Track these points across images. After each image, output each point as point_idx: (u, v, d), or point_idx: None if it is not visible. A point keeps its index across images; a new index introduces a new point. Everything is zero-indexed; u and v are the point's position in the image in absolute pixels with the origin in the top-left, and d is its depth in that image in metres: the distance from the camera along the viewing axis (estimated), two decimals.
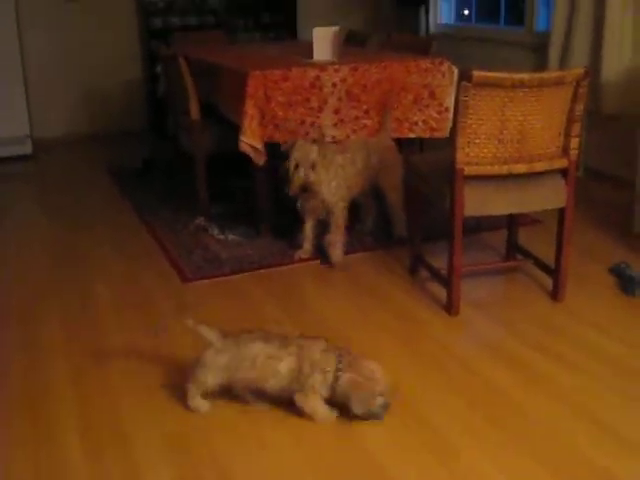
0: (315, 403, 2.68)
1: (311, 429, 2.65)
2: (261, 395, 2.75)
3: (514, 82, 3.15)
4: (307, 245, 4.14)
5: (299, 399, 2.68)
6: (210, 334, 2.74)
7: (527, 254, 3.90)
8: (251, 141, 4.03)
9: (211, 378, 2.71)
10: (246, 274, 4.00)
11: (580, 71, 3.24)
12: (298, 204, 4.00)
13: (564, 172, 3.44)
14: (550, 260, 3.64)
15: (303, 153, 3.77)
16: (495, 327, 3.42)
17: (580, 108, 3.34)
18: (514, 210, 3.48)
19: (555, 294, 3.62)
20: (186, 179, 5.18)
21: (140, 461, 2.51)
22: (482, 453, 2.51)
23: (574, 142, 3.39)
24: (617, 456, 2.49)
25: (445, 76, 4.32)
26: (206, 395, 2.76)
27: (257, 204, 4.46)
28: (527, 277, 3.89)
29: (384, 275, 3.95)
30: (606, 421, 2.67)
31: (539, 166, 3.35)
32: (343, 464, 2.48)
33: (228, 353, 2.70)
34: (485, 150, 3.27)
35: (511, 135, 3.26)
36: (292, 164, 3.78)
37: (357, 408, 2.65)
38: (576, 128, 3.36)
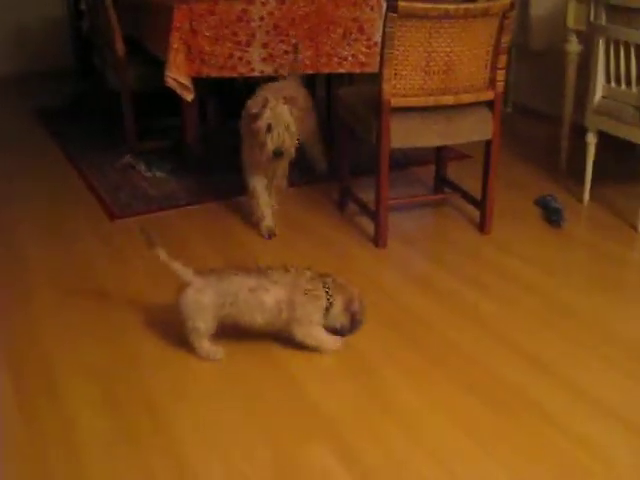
0: (318, 333, 2.66)
1: (245, 365, 2.65)
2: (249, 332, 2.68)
3: (440, 13, 3.14)
4: (268, 222, 3.73)
5: (299, 332, 2.64)
6: (184, 271, 2.59)
7: (455, 187, 3.94)
8: (177, 76, 3.95)
9: (202, 323, 2.58)
10: (174, 210, 3.96)
11: (506, 2, 3.24)
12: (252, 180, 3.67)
13: (491, 104, 3.46)
14: (478, 193, 3.68)
15: (276, 113, 3.40)
16: (422, 259, 3.46)
17: (506, 40, 3.35)
18: (441, 142, 3.49)
19: (482, 226, 3.67)
20: (114, 117, 5.08)
21: (74, 415, 2.49)
22: (404, 378, 2.56)
23: (500, 74, 3.40)
24: (529, 374, 2.57)
25: (374, 9, 4.28)
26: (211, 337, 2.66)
27: (185, 141, 4.40)
28: (455, 210, 3.93)
29: (313, 210, 3.96)
30: (523, 345, 2.75)
31: (465, 98, 3.37)
32: (275, 399, 2.50)
33: (210, 289, 2.57)
34: (411, 82, 3.27)
35: (437, 67, 3.26)
36: (264, 125, 3.39)
37: (353, 328, 2.68)
38: (502, 60, 3.38)
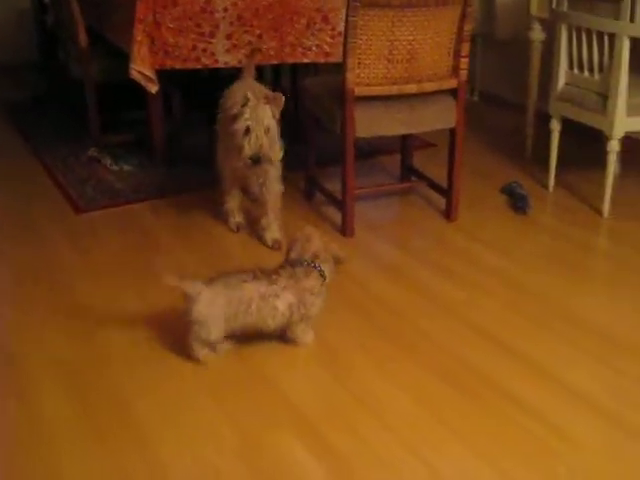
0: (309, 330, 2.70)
1: (214, 358, 2.62)
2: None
3: (402, 2, 3.15)
4: (237, 218, 3.64)
5: (301, 328, 2.66)
6: (194, 287, 2.50)
7: (421, 176, 3.96)
8: (141, 68, 3.92)
9: (214, 332, 2.54)
10: (140, 204, 3.93)
11: None
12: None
13: (454, 93, 3.47)
14: (444, 181, 3.69)
15: (256, 114, 3.11)
16: (389, 247, 3.47)
17: (469, 28, 3.36)
18: (405, 130, 3.50)
19: (448, 214, 3.69)
20: (78, 110, 5.04)
21: (42, 412, 2.48)
22: (374, 366, 2.57)
23: (463, 62, 3.42)
24: (498, 360, 2.60)
25: None
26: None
27: (151, 133, 4.37)
28: (421, 199, 3.94)
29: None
30: (491, 331, 2.77)
31: (429, 86, 3.38)
32: (245, 391, 2.50)
33: (222, 299, 2.51)
34: (375, 71, 3.28)
35: (401, 55, 3.27)
36: (242, 127, 3.12)
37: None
38: (465, 48, 3.39)
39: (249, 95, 3.13)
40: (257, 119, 3.11)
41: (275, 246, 3.42)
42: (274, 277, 2.59)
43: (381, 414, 2.33)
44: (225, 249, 3.44)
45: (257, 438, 2.24)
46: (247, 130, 3.11)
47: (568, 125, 3.93)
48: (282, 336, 2.69)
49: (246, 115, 3.11)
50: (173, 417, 2.35)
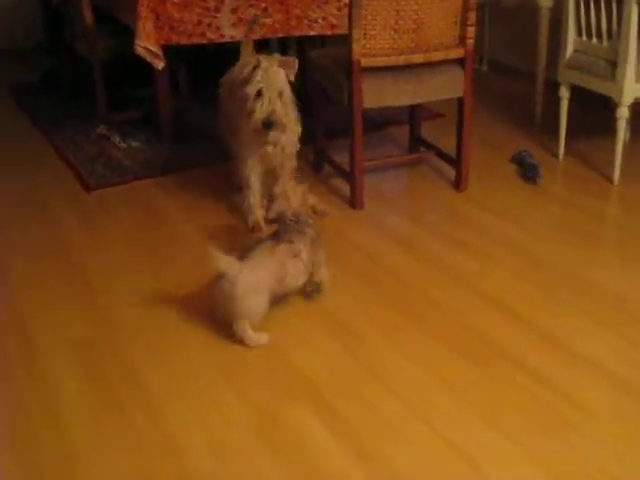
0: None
1: (223, 332, 2.63)
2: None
3: None
4: (259, 212, 3.37)
5: (321, 275, 2.79)
6: (229, 263, 2.45)
7: (430, 146, 3.94)
8: (146, 44, 3.91)
9: (264, 303, 2.53)
10: (150, 180, 3.94)
11: None
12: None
13: (462, 62, 3.45)
14: (453, 152, 3.68)
15: (269, 76, 2.99)
16: (399, 219, 3.46)
17: None
18: (413, 101, 3.48)
19: (458, 184, 3.68)
20: (86, 89, 5.03)
21: (55, 384, 2.50)
22: (386, 338, 2.58)
23: (470, 31, 3.39)
24: (509, 328, 2.60)
25: None
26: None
27: (158, 110, 4.37)
28: (431, 169, 3.93)
29: None
30: (502, 299, 2.77)
31: (436, 56, 3.36)
32: (254, 363, 2.51)
33: (262, 269, 2.52)
34: (381, 41, 3.26)
35: (407, 25, 3.25)
36: (253, 90, 2.99)
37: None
38: (472, 17, 3.36)
39: (260, 58, 3.04)
40: (269, 82, 2.99)
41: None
42: (283, 236, 2.64)
43: (391, 383, 2.34)
44: (232, 225, 3.43)
45: (267, 409, 2.25)
46: (259, 93, 2.99)
47: (577, 93, 3.91)
48: (305, 293, 2.78)
49: (258, 77, 2.99)
50: (183, 389, 2.37)
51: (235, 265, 2.46)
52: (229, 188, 3.64)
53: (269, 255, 2.58)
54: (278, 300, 2.67)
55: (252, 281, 2.48)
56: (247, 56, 3.58)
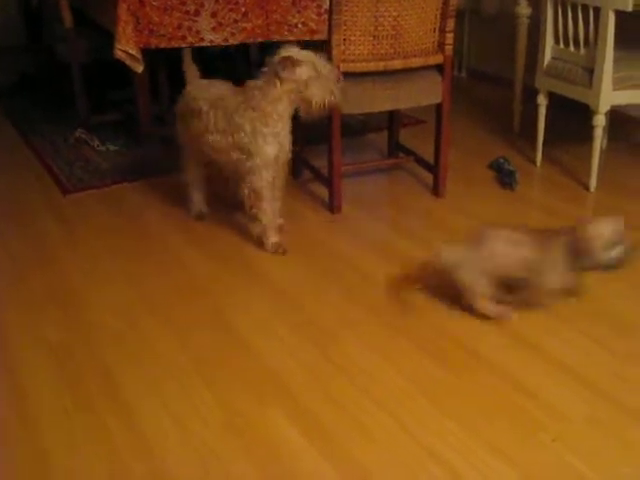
0: None
1: (200, 333, 2.65)
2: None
3: None
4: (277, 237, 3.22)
5: None
6: (456, 251, 2.67)
7: (409, 152, 3.96)
8: (126, 48, 3.90)
9: (484, 280, 2.60)
10: (128, 184, 3.93)
11: None
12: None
13: (441, 68, 3.47)
14: (432, 158, 3.69)
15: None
16: (376, 223, 3.47)
17: (454, 3, 3.35)
18: (392, 106, 3.49)
19: (436, 190, 3.70)
20: (65, 92, 5.02)
21: (27, 385, 2.49)
22: (360, 342, 2.58)
23: (449, 38, 3.41)
24: (483, 332, 2.61)
25: None
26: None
27: (137, 113, 4.36)
28: (409, 175, 3.95)
29: None
30: None
31: (415, 62, 3.37)
32: (229, 365, 2.50)
33: (470, 252, 2.64)
34: (361, 47, 3.27)
35: (386, 31, 3.26)
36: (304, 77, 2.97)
37: None
38: (450, 23, 3.38)
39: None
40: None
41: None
42: None
43: (364, 386, 2.34)
44: (214, 230, 3.43)
45: (242, 411, 2.25)
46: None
47: (555, 100, 3.94)
48: None
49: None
50: (158, 389, 2.36)
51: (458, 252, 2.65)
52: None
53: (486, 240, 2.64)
54: None
55: (467, 262, 2.64)
56: (188, 64, 3.56)
